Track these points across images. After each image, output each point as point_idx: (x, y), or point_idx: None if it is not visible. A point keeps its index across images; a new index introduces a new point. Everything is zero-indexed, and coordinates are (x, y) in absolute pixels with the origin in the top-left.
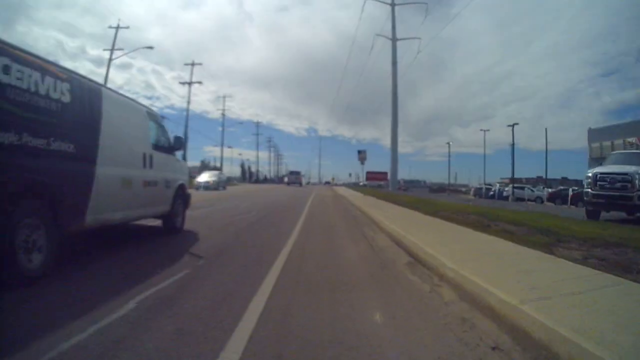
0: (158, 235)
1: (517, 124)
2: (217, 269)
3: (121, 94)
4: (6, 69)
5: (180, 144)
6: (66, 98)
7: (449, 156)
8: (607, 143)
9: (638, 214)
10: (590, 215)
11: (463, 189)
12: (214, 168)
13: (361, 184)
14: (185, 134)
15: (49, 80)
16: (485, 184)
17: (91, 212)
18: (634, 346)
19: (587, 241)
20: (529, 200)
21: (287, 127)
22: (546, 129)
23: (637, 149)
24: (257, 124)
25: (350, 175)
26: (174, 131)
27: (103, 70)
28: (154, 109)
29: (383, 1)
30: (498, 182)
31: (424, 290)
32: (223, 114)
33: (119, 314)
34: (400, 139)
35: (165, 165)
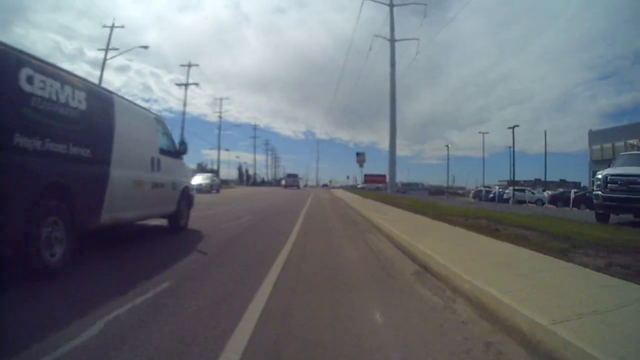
0: (160, 234)
1: (517, 125)
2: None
3: (131, 101)
4: (30, 80)
5: (185, 148)
6: (83, 106)
7: (448, 159)
8: (608, 145)
9: None
10: (600, 219)
11: (460, 191)
12: (211, 171)
13: (359, 186)
14: (182, 136)
15: (67, 89)
16: (484, 187)
17: (106, 211)
18: None
19: (605, 247)
20: (529, 202)
21: (284, 130)
22: (545, 132)
23: (638, 150)
24: (255, 127)
25: (348, 177)
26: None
27: (102, 73)
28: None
29: (381, 2)
30: (497, 185)
31: (437, 306)
32: (220, 116)
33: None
34: (398, 142)
35: (172, 168)
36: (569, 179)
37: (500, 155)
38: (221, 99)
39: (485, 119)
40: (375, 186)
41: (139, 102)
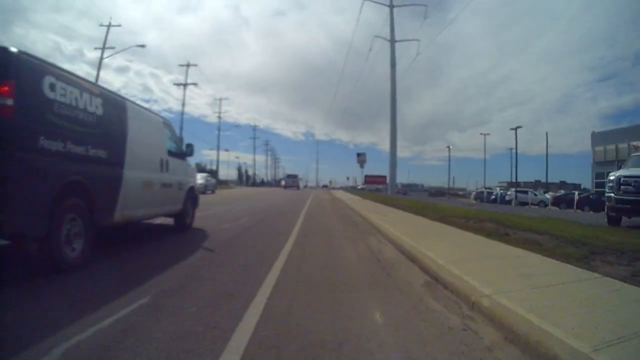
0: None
1: (520, 127)
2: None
3: (141, 106)
4: (52, 87)
5: (191, 150)
6: (100, 111)
7: (449, 160)
8: (611, 147)
9: None
10: (612, 221)
11: (461, 193)
12: (208, 171)
13: (359, 187)
14: (180, 135)
15: (86, 95)
16: (485, 188)
17: (119, 209)
18: None
19: (625, 253)
20: (532, 204)
21: (284, 131)
22: (547, 133)
23: None
24: (254, 127)
25: (348, 178)
26: None
27: (102, 74)
28: None
29: (381, 2)
30: (498, 186)
31: (455, 327)
32: (219, 116)
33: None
34: (398, 143)
35: (179, 169)
36: (569, 181)
37: (501, 156)
38: (220, 99)
39: (486, 120)
40: (375, 187)
41: (138, 102)
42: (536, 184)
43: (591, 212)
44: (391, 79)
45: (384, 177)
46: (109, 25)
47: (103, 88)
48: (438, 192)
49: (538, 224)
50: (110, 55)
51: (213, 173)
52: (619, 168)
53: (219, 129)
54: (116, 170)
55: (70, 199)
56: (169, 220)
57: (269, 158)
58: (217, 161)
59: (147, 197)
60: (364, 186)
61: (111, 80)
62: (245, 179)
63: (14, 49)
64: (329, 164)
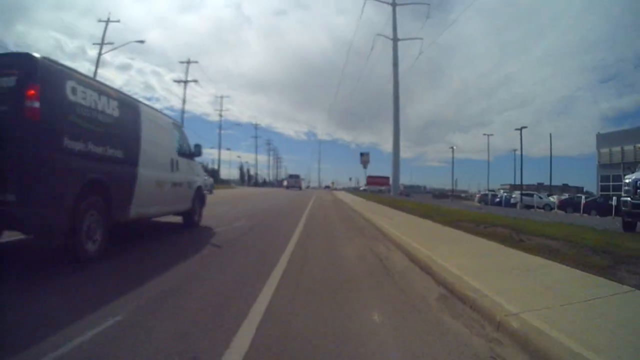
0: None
1: (525, 127)
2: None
3: (153, 108)
4: (74, 91)
5: (199, 150)
6: (116, 113)
7: (453, 162)
8: (617, 149)
9: None
10: (627, 227)
11: (463, 195)
12: (211, 171)
13: (361, 188)
14: None
15: (104, 98)
16: (489, 191)
17: (134, 207)
18: None
19: None
20: (537, 207)
21: (286, 130)
22: (550, 135)
23: None
24: (256, 126)
25: (350, 179)
26: None
27: (103, 71)
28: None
29: (384, 0)
30: (501, 189)
31: (480, 352)
32: (220, 115)
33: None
34: (400, 144)
35: (187, 169)
36: (571, 183)
37: (502, 158)
38: (222, 97)
39: (487, 121)
40: (377, 188)
41: (141, 100)
42: (539, 187)
43: (598, 216)
44: (394, 78)
45: (387, 178)
46: (108, 21)
47: (119, 91)
48: (441, 194)
49: (551, 229)
50: (109, 51)
51: (214, 172)
52: (624, 170)
53: (220, 127)
54: (131, 169)
55: (91, 196)
56: (177, 219)
57: (271, 158)
58: (219, 160)
59: (159, 196)
60: (366, 187)
61: (113, 78)
62: (247, 178)
63: (37, 55)
64: (331, 163)
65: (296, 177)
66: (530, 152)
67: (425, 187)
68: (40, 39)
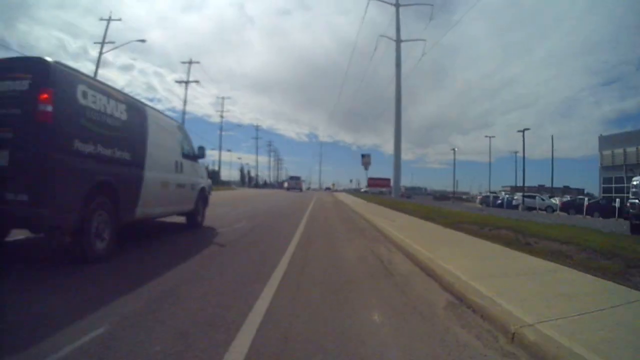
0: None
1: (528, 129)
2: None
3: (158, 111)
4: (85, 95)
5: (203, 152)
6: (124, 116)
7: (454, 164)
8: (619, 151)
9: None
10: (636, 230)
11: (464, 197)
12: (212, 172)
13: (362, 190)
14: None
15: (112, 102)
16: (490, 192)
17: (140, 207)
18: None
19: None
20: (539, 209)
21: (287, 131)
22: (552, 137)
23: None
24: (257, 128)
25: (351, 181)
26: None
27: (105, 72)
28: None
29: (387, 1)
30: (502, 190)
31: None
32: (221, 116)
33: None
34: (402, 145)
35: (191, 170)
36: (572, 185)
37: (504, 159)
38: (223, 98)
39: (490, 123)
40: (378, 190)
41: (142, 101)
42: (540, 189)
43: (601, 218)
44: (396, 80)
45: (388, 179)
46: (109, 20)
47: (127, 95)
48: (442, 196)
49: (556, 231)
50: (110, 50)
51: (215, 174)
52: (627, 172)
53: (221, 129)
54: (138, 171)
55: (100, 197)
56: (181, 219)
57: (272, 159)
58: (219, 161)
59: (164, 197)
60: (367, 189)
61: (115, 78)
62: (247, 180)
63: (50, 59)
64: (332, 165)
65: (297, 178)
66: (532, 154)
67: (426, 189)
68: (43, 38)
